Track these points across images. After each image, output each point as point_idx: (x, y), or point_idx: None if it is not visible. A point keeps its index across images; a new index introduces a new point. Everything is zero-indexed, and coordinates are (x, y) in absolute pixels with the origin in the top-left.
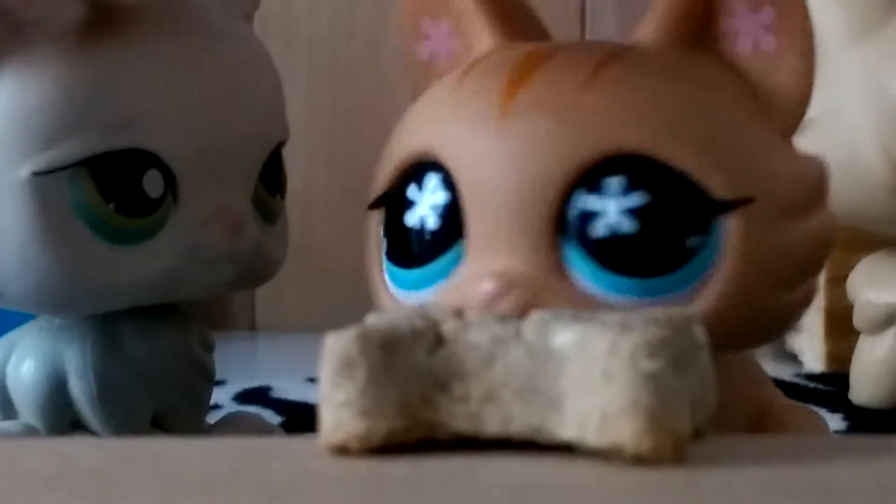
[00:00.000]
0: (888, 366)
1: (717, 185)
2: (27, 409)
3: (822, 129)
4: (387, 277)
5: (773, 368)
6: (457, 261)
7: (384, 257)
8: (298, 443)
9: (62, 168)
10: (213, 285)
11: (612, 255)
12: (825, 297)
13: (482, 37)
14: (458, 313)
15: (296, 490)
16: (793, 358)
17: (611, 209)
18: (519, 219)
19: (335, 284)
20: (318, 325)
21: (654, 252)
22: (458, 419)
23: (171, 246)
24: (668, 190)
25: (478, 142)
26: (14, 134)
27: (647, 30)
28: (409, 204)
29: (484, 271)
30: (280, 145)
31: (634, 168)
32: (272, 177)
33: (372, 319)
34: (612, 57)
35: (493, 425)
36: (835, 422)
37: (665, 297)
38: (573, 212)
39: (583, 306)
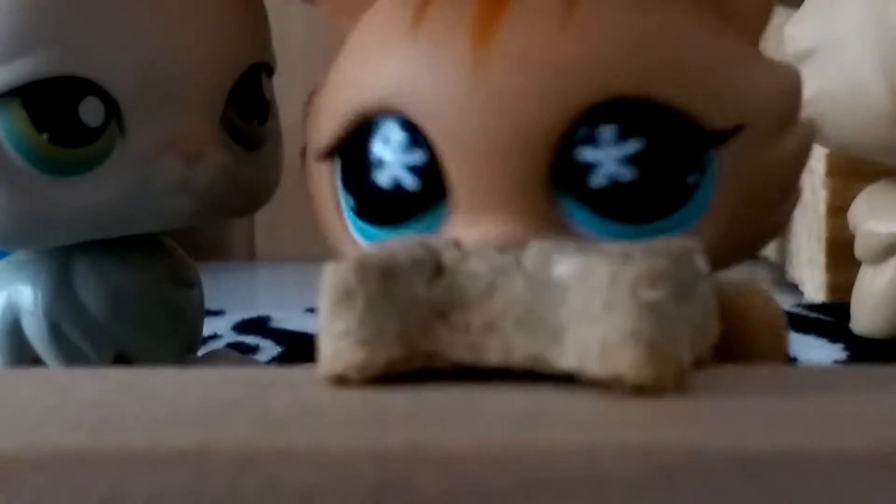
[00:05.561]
0: (889, 296)
1: (709, 118)
2: None
3: (824, 59)
4: (355, 233)
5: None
6: (439, 220)
7: (350, 213)
8: (297, 373)
9: None
10: (170, 217)
11: (613, 204)
12: (826, 227)
13: None
14: (458, 243)
15: (294, 420)
16: (794, 288)
17: (608, 159)
18: (512, 175)
19: None
20: (318, 255)
21: (656, 196)
22: (458, 349)
23: (117, 177)
24: (664, 131)
25: (452, 97)
26: None
27: None
28: (378, 162)
29: (476, 230)
30: (256, 69)
31: (627, 113)
32: (247, 101)
33: (371, 249)
34: None
35: (493, 355)
36: (835, 352)
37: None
38: (569, 164)
39: None
